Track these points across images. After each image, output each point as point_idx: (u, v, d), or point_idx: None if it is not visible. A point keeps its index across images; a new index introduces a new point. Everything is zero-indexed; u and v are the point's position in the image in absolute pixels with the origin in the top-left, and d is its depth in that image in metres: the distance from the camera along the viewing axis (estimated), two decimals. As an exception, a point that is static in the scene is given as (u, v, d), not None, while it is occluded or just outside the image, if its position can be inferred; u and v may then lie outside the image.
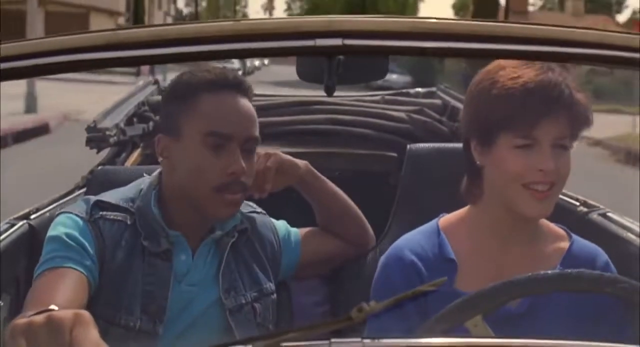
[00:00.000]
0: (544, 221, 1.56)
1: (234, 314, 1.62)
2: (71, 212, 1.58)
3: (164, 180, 1.63)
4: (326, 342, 0.98)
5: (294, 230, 1.81)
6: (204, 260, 1.63)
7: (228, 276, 1.64)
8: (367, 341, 0.99)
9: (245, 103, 1.61)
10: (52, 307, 1.00)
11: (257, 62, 39.68)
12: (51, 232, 1.55)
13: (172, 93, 1.65)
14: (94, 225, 1.56)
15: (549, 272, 1.40)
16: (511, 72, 1.43)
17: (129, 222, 1.59)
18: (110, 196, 1.64)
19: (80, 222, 1.56)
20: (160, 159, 1.61)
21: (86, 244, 1.52)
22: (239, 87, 1.61)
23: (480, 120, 1.48)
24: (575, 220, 1.71)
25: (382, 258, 1.57)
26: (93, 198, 1.62)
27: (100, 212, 1.59)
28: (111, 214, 1.59)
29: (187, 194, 1.58)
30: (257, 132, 1.61)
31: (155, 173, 1.68)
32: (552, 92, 1.41)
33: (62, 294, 1.40)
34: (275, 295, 1.71)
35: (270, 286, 1.70)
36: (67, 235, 1.52)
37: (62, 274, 1.46)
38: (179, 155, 1.58)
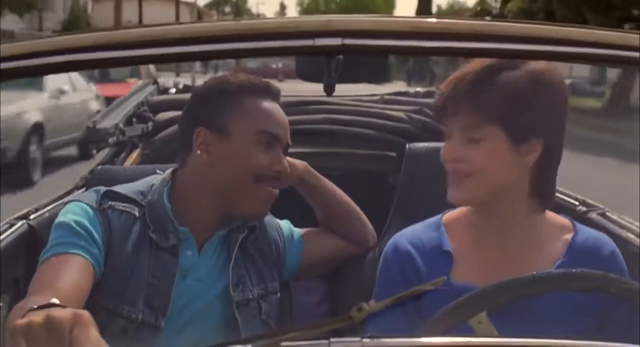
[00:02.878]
0: (548, 212, 1.56)
1: (241, 308, 1.63)
2: (81, 201, 1.60)
3: (189, 174, 1.65)
4: (325, 341, 0.98)
5: (296, 230, 1.82)
6: (210, 256, 1.65)
7: (237, 271, 1.65)
8: (366, 340, 0.99)
9: (283, 113, 1.69)
10: (53, 300, 1.00)
11: (273, 65, 48.64)
12: (60, 218, 1.56)
13: (218, 91, 1.67)
14: (103, 214, 1.58)
15: (552, 271, 1.40)
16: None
17: (137, 215, 1.61)
18: (121, 188, 1.65)
19: (90, 210, 1.57)
20: (198, 152, 1.63)
21: (94, 232, 1.53)
22: (278, 97, 1.69)
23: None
24: (574, 219, 1.71)
25: (384, 249, 1.59)
26: (103, 188, 1.64)
27: (110, 202, 1.60)
28: (121, 205, 1.61)
29: (225, 188, 1.61)
30: (289, 138, 1.69)
31: (169, 170, 1.69)
32: (462, 85, 1.44)
33: (66, 280, 1.41)
34: (279, 294, 1.72)
35: (275, 284, 1.72)
36: (76, 222, 1.53)
37: (67, 260, 1.46)
38: (224, 150, 1.61)
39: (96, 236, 1.53)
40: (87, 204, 1.58)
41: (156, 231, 1.60)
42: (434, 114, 1.59)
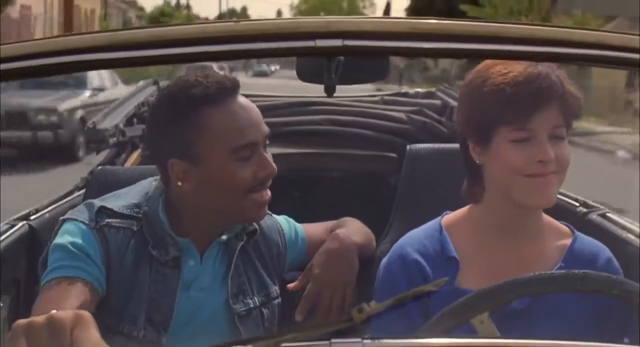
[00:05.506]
0: (547, 218, 1.56)
1: (243, 319, 1.61)
2: (77, 219, 1.55)
3: (177, 195, 1.58)
4: (326, 342, 0.98)
5: (299, 228, 1.77)
6: (212, 263, 1.62)
7: (237, 280, 1.62)
8: (367, 341, 0.99)
9: (245, 101, 1.58)
10: (54, 311, 1.00)
11: (272, 67, 51.39)
12: (57, 240, 1.52)
13: (173, 115, 1.55)
14: (100, 233, 1.54)
15: (551, 272, 1.40)
16: (501, 69, 1.44)
17: (135, 229, 1.57)
18: (115, 202, 1.60)
19: (86, 229, 1.53)
20: (179, 184, 1.55)
21: (92, 252, 1.50)
22: (233, 88, 1.56)
23: (475, 119, 1.49)
24: (574, 220, 1.71)
25: (385, 257, 1.57)
26: (97, 204, 1.59)
27: (107, 220, 1.56)
28: (117, 221, 1.56)
29: (215, 205, 1.56)
30: (265, 125, 1.59)
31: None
32: (542, 83, 1.42)
33: (70, 304, 1.38)
34: (280, 299, 1.69)
35: (276, 289, 1.69)
36: (73, 244, 1.50)
37: (69, 284, 1.44)
38: (203, 177, 1.54)
39: (95, 256, 1.50)
40: (83, 223, 1.54)
41: (155, 245, 1.56)
42: (472, 114, 1.50)
